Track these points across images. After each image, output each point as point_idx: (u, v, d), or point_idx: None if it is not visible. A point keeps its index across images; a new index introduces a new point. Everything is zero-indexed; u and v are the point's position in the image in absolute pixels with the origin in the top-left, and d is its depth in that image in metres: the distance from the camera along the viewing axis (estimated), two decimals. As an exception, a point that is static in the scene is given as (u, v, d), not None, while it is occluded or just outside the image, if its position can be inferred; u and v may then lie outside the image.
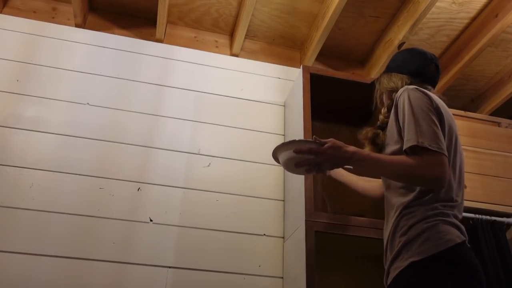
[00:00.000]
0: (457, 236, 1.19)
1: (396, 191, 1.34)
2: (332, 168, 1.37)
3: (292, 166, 1.35)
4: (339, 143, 1.32)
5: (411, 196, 1.27)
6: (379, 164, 1.29)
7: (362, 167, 1.35)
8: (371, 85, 1.63)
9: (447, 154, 1.22)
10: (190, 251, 2.03)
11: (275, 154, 1.43)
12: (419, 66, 1.48)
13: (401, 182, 1.32)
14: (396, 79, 1.47)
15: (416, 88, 1.33)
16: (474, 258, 1.19)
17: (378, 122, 1.50)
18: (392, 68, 1.53)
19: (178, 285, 1.94)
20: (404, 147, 1.25)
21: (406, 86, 1.36)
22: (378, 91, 1.56)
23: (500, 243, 2.14)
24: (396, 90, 1.43)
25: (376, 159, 1.30)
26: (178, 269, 1.97)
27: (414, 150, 1.23)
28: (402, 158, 1.28)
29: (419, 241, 1.19)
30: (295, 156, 1.33)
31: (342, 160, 1.30)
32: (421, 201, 1.25)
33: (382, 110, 1.50)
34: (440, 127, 1.28)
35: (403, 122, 1.29)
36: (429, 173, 1.20)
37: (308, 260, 1.77)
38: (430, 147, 1.20)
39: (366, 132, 1.49)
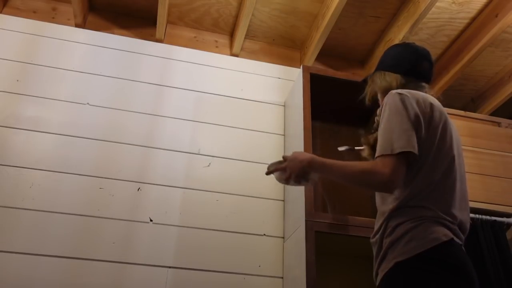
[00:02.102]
0: (443, 234, 1.17)
1: (383, 194, 1.34)
2: (304, 177, 1.45)
3: (285, 183, 1.55)
4: (295, 154, 1.46)
5: (399, 199, 1.26)
6: (332, 171, 1.35)
7: (321, 174, 1.43)
8: (364, 82, 1.62)
9: (414, 151, 1.21)
10: (190, 251, 2.03)
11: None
12: (413, 64, 1.47)
13: (353, 186, 1.38)
14: (390, 78, 1.46)
15: (398, 93, 1.32)
16: (462, 257, 1.16)
17: (374, 125, 1.49)
18: (386, 66, 1.51)
19: (178, 285, 1.94)
20: (375, 157, 1.27)
21: (391, 91, 1.36)
22: (370, 88, 1.55)
23: (500, 243, 2.14)
24: (390, 89, 1.42)
25: (329, 166, 1.35)
26: (178, 269, 1.97)
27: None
28: (354, 163, 1.32)
29: (404, 241, 1.19)
30: (277, 177, 1.55)
31: (301, 169, 1.42)
32: (409, 202, 1.24)
33: (378, 111, 1.49)
34: (416, 125, 1.27)
35: (380, 130, 1.31)
36: (376, 177, 1.22)
37: (308, 260, 1.77)
38: (391, 153, 1.21)
39: (368, 138, 1.49)
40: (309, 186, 1.60)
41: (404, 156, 1.21)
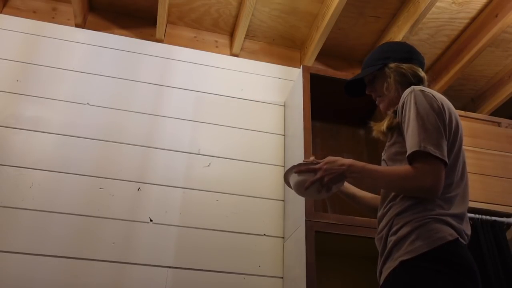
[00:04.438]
0: (449, 234, 1.17)
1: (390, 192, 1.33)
2: (335, 183, 1.37)
3: (303, 190, 1.40)
4: (334, 157, 1.35)
5: (405, 197, 1.26)
6: (374, 176, 1.29)
7: (359, 179, 1.36)
8: (362, 78, 1.55)
9: (447, 161, 1.21)
10: (190, 251, 2.03)
11: (287, 182, 1.49)
12: (422, 59, 1.48)
13: (396, 192, 1.32)
14: (419, 71, 1.43)
15: (422, 90, 1.30)
16: (467, 256, 1.17)
17: (392, 109, 1.45)
18: (404, 58, 1.46)
19: (178, 285, 1.94)
20: (408, 153, 1.23)
21: (412, 87, 1.33)
22: (391, 79, 1.44)
23: (500, 243, 2.14)
24: (418, 79, 1.40)
25: (371, 170, 1.30)
26: (178, 269, 1.97)
27: (415, 156, 1.22)
28: (397, 168, 1.28)
29: (409, 240, 1.18)
30: (300, 180, 1.38)
31: (339, 172, 1.32)
32: (415, 201, 1.24)
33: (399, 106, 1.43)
34: (447, 128, 1.26)
35: (407, 127, 1.27)
36: (422, 183, 1.19)
37: (308, 260, 1.77)
38: (432, 152, 1.19)
39: (390, 119, 1.43)
40: (326, 197, 1.50)
41: (442, 161, 1.20)
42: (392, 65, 1.45)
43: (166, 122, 2.31)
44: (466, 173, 1.33)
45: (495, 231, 2.17)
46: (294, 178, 1.42)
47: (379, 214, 1.36)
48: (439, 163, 1.19)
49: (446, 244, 1.15)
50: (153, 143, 2.24)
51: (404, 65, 1.44)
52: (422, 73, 1.43)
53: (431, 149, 1.19)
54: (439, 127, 1.24)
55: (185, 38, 2.65)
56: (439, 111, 1.26)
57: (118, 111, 2.27)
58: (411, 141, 1.23)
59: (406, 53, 1.48)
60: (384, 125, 1.41)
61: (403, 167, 1.24)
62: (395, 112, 1.42)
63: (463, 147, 1.35)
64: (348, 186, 1.65)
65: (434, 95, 1.30)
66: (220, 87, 2.50)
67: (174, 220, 2.07)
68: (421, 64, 1.47)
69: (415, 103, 1.27)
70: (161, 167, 2.18)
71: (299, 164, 1.41)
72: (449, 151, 1.27)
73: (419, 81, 1.41)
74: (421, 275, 1.13)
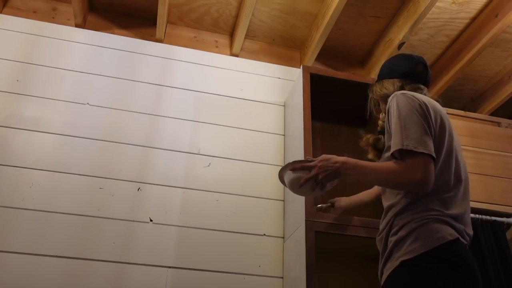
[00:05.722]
0: (448, 233, 1.18)
1: (391, 193, 1.34)
2: (329, 180, 1.39)
3: (297, 187, 1.42)
4: (328, 155, 1.38)
5: (404, 198, 1.27)
6: (366, 172, 1.32)
7: (352, 176, 1.38)
8: (366, 98, 1.65)
9: (434, 155, 1.22)
10: (190, 251, 2.03)
11: (282, 180, 1.51)
12: (407, 68, 1.51)
13: (387, 187, 1.34)
14: (387, 84, 1.50)
15: (403, 93, 1.34)
16: (467, 256, 1.18)
17: (378, 128, 1.51)
18: (382, 75, 1.56)
19: (178, 285, 1.94)
20: (391, 152, 1.27)
21: (395, 92, 1.38)
22: (372, 100, 1.58)
23: (500, 243, 2.14)
24: (389, 95, 1.44)
25: (363, 167, 1.32)
26: (178, 269, 1.97)
27: (400, 154, 1.25)
28: (386, 164, 1.30)
29: (409, 240, 1.19)
30: (295, 177, 1.41)
31: (333, 170, 1.34)
32: (414, 200, 1.25)
33: (381, 115, 1.51)
34: (432, 125, 1.28)
35: (392, 128, 1.31)
36: (411, 177, 1.21)
37: (308, 260, 1.77)
38: (415, 149, 1.21)
39: (367, 138, 1.50)
40: (320, 194, 1.52)
41: (429, 156, 1.22)
42: (373, 85, 1.57)
43: (166, 122, 2.31)
44: (464, 171, 1.34)
45: (495, 231, 2.17)
46: (288, 175, 1.44)
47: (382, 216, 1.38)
48: (426, 157, 1.21)
49: (446, 243, 1.16)
50: (153, 143, 2.24)
51: (377, 86, 1.54)
52: (391, 88, 1.48)
53: (413, 146, 1.21)
54: (422, 124, 1.26)
55: (185, 38, 2.65)
56: (421, 109, 1.29)
57: (118, 111, 2.27)
58: (394, 140, 1.26)
59: (387, 68, 1.56)
60: (370, 154, 1.49)
61: (393, 162, 1.27)
62: (380, 132, 1.48)
63: (459, 146, 1.36)
64: (348, 201, 1.80)
65: (415, 96, 1.33)
66: (220, 87, 2.50)
67: (174, 220, 2.08)
68: (406, 76, 1.50)
69: (397, 106, 1.31)
70: (161, 167, 2.19)
71: (294, 162, 1.43)
72: (439, 149, 1.28)
73: (385, 98, 1.48)
74: (422, 275, 1.14)
